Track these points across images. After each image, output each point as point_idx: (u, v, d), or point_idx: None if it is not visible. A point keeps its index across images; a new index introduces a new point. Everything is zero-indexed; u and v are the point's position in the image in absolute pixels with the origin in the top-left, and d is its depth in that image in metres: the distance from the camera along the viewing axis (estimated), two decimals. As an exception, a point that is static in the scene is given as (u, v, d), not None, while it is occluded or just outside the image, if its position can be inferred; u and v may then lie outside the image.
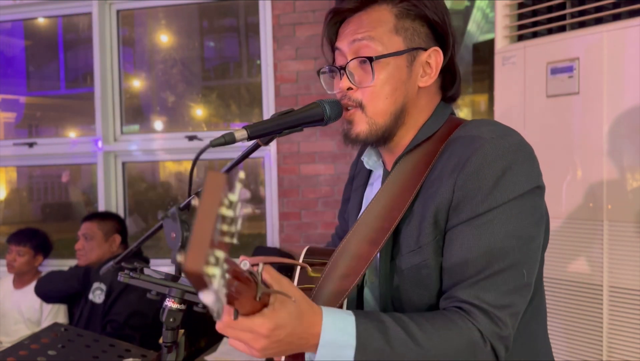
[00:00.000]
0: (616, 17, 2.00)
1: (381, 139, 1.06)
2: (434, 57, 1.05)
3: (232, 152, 3.15)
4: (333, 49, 1.12)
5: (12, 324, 3.25)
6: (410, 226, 1.00)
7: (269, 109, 3.38)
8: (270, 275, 0.84)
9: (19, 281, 3.32)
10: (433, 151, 1.03)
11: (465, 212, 0.94)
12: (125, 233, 3.09)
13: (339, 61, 1.08)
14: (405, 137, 1.07)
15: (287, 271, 1.11)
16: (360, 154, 1.25)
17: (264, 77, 3.40)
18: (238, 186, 0.62)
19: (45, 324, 3.17)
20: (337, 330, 0.86)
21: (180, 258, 0.56)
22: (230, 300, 0.73)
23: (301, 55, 3.30)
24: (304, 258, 1.15)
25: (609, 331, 1.96)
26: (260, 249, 3.34)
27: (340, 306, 1.00)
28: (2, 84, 4.09)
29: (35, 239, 3.31)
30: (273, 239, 3.38)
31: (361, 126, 1.05)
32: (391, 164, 1.09)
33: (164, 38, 3.87)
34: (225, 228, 0.59)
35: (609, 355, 1.96)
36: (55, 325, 1.96)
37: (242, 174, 0.63)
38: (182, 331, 1.06)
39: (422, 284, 0.99)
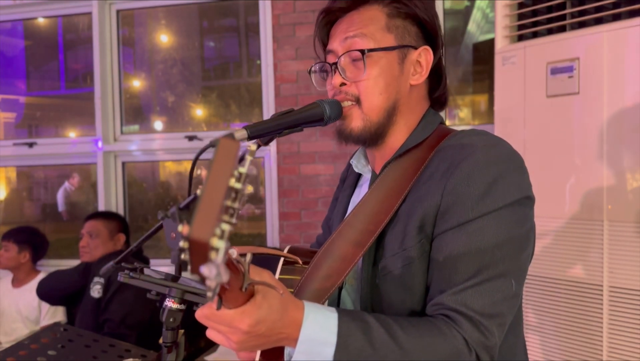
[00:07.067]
0: (616, 17, 2.00)
1: (374, 137, 1.06)
2: (424, 56, 1.07)
3: (232, 152, 3.15)
4: (325, 50, 1.12)
5: (10, 323, 3.25)
6: (395, 229, 0.99)
7: (269, 109, 3.38)
8: (252, 268, 0.81)
9: (17, 280, 3.32)
10: (422, 158, 1.03)
11: (455, 217, 0.93)
12: (129, 233, 3.08)
13: (331, 60, 1.08)
14: (395, 139, 1.08)
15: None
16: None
17: (264, 77, 3.40)
18: (248, 159, 0.57)
19: (43, 323, 3.18)
20: (319, 326, 0.84)
21: (182, 228, 0.50)
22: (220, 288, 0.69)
23: (301, 55, 3.30)
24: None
25: (609, 331, 1.96)
26: (260, 249, 3.34)
27: None
28: (2, 84, 4.09)
29: (20, 235, 3.30)
30: (273, 239, 3.38)
31: (356, 122, 1.05)
32: (380, 168, 1.09)
33: (164, 38, 3.87)
34: (229, 203, 0.54)
35: (609, 355, 1.96)
36: (55, 325, 1.96)
37: (253, 146, 0.58)
38: (182, 331, 1.06)
39: (404, 289, 0.97)
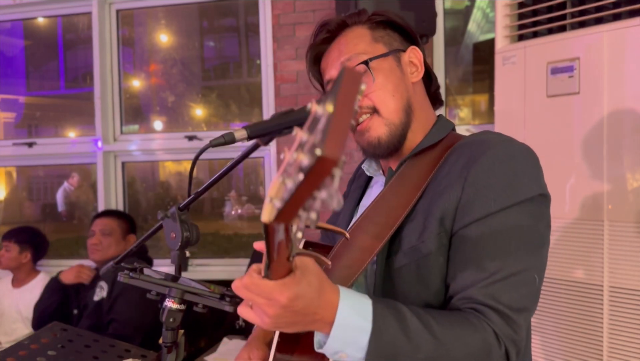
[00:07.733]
0: (616, 17, 2.00)
1: (400, 140, 1.09)
2: (415, 55, 1.13)
3: (232, 152, 3.15)
4: (322, 82, 1.17)
5: (10, 323, 3.25)
6: (413, 223, 1.00)
7: (269, 109, 3.38)
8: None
9: (18, 280, 3.32)
10: (438, 157, 1.06)
11: (477, 210, 0.94)
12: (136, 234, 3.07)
13: None
14: (411, 141, 1.11)
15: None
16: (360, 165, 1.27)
17: (264, 77, 3.39)
18: (362, 88, 0.54)
19: (43, 323, 3.18)
20: (354, 311, 0.82)
21: (314, 151, 0.46)
22: (270, 251, 0.66)
23: (301, 55, 3.30)
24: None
25: (609, 332, 1.96)
26: (260, 249, 3.33)
27: None
28: (2, 84, 4.09)
29: (21, 235, 3.29)
30: (273, 239, 3.37)
31: (380, 129, 1.08)
32: (395, 167, 1.11)
33: (164, 38, 3.87)
34: None
35: (609, 355, 1.96)
36: (55, 325, 1.96)
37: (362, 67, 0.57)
38: (182, 331, 1.06)
39: (419, 282, 0.98)
